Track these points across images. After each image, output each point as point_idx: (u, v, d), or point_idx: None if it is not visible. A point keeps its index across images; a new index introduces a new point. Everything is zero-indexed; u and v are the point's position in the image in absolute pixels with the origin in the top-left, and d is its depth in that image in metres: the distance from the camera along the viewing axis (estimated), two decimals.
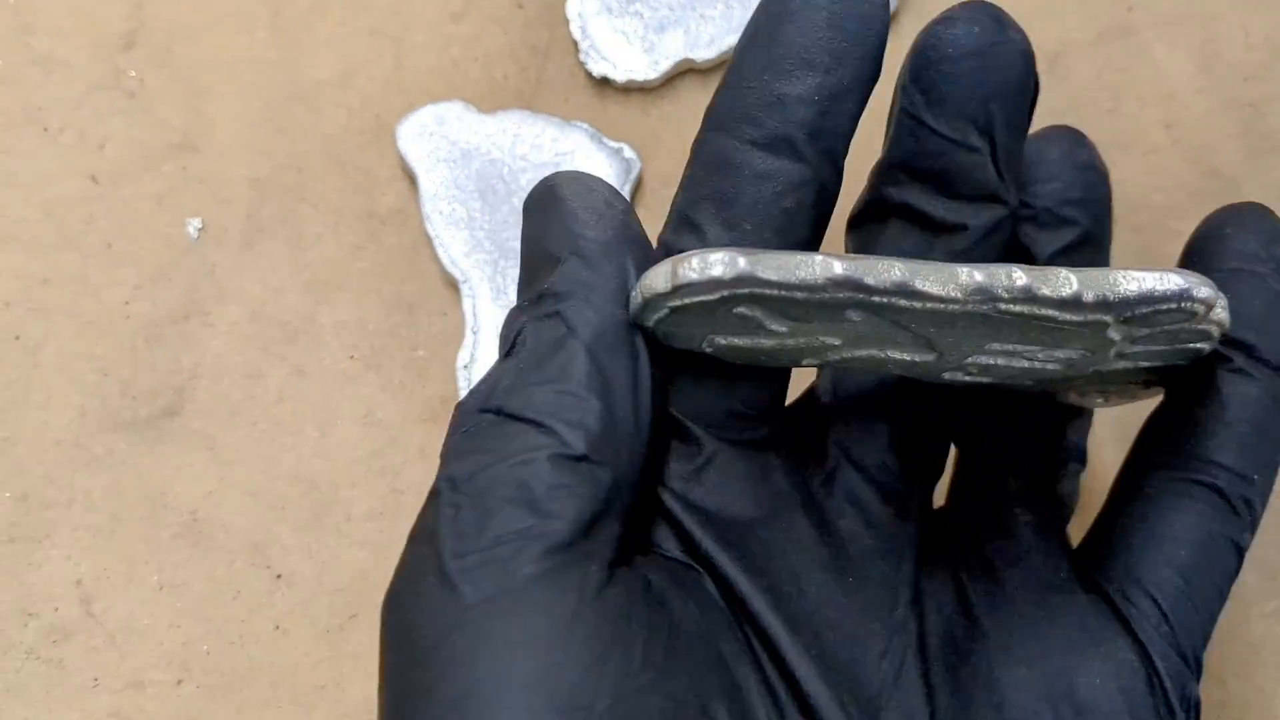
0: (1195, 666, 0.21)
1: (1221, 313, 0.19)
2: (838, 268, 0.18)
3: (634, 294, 0.19)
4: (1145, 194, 0.31)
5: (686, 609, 0.20)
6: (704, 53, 0.32)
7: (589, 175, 0.21)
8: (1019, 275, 0.18)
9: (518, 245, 0.31)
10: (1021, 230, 0.24)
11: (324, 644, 0.29)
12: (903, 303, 0.18)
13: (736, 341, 0.20)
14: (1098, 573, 0.22)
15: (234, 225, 0.32)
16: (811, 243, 0.21)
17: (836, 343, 0.20)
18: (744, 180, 0.20)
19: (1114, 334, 0.19)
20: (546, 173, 0.31)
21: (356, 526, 0.30)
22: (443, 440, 0.19)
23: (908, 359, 0.20)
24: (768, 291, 0.18)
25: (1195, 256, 0.23)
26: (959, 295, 0.18)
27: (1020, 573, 0.22)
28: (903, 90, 0.21)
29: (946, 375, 0.21)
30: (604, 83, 0.33)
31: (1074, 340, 0.19)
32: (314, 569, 0.29)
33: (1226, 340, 0.21)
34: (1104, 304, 0.18)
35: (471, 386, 0.30)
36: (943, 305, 0.18)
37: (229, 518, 0.30)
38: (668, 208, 0.32)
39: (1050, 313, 0.18)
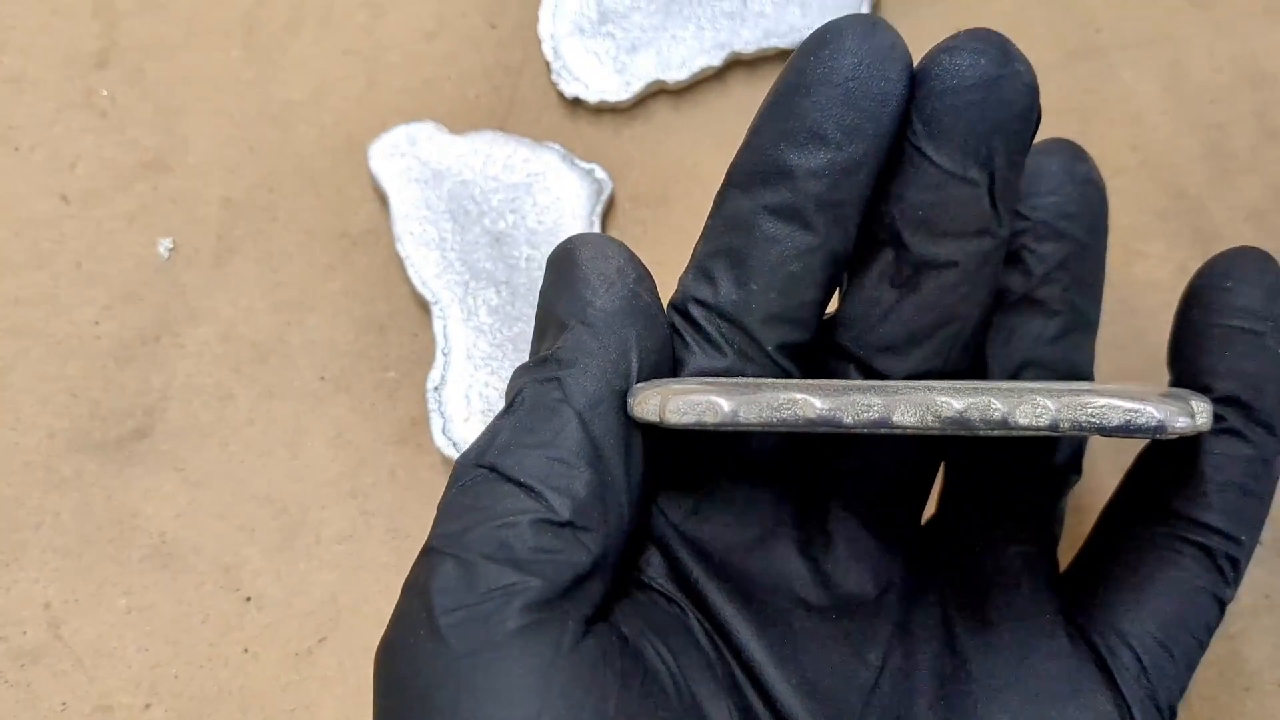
0: (1170, 716, 0.22)
1: (1204, 421, 0.19)
2: (816, 406, 0.19)
3: (629, 400, 0.20)
4: (1112, 215, 0.31)
5: (661, 657, 0.20)
6: (675, 74, 0.32)
7: (608, 240, 0.22)
8: (996, 407, 0.18)
9: (489, 266, 0.31)
10: (1018, 241, 0.24)
11: (293, 667, 0.29)
12: (883, 431, 0.19)
13: (727, 429, 0.21)
14: (1082, 617, 0.22)
15: (205, 245, 0.32)
16: (820, 302, 0.21)
17: (824, 428, 0.21)
18: (754, 242, 0.21)
19: (1094, 434, 0.19)
20: (518, 193, 0.32)
21: (326, 549, 0.29)
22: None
23: (895, 434, 0.21)
24: (750, 428, 0.19)
25: (1195, 307, 0.23)
26: (936, 425, 0.19)
27: (1008, 613, 0.23)
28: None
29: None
30: (576, 103, 0.33)
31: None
32: (283, 592, 0.29)
33: (1222, 398, 0.22)
34: (1079, 428, 0.18)
35: (442, 409, 0.30)
36: (921, 431, 0.19)
37: (198, 540, 0.30)
38: (640, 229, 0.32)
39: (1027, 433, 0.19)
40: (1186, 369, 0.22)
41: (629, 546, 0.21)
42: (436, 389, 0.30)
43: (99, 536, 0.30)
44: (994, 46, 0.20)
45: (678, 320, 0.22)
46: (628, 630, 0.20)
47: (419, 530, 0.30)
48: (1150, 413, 0.18)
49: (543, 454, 0.20)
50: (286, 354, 0.31)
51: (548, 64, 0.33)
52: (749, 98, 0.33)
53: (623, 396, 0.20)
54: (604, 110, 0.33)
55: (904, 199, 0.21)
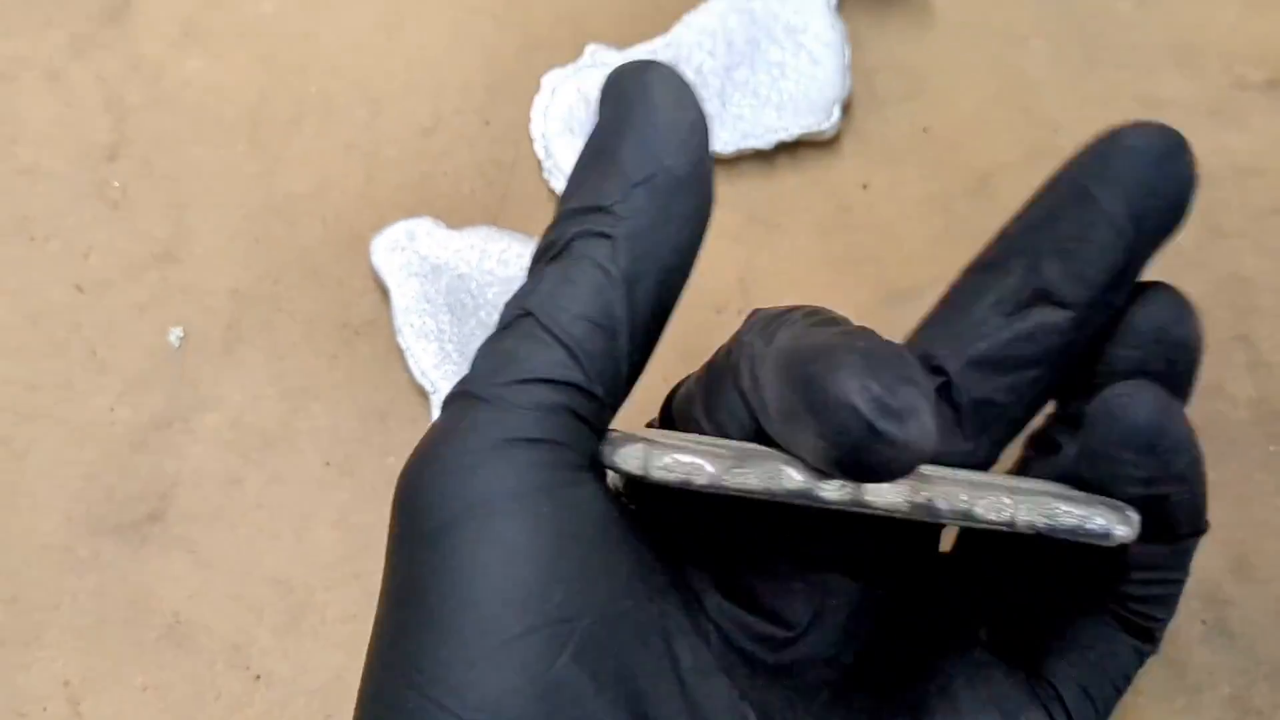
0: None
1: (1136, 531, 0.21)
2: (797, 480, 0.20)
3: (606, 449, 0.21)
4: None
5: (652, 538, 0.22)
6: None
7: (685, 84, 0.21)
8: (962, 499, 0.20)
9: None
10: (1096, 380, 0.24)
11: None
12: (854, 509, 0.20)
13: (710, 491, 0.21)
14: (1011, 656, 0.24)
15: (214, 334, 0.34)
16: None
17: (801, 501, 0.21)
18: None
19: (1040, 529, 0.21)
20: (513, 286, 0.33)
21: (332, 629, 0.31)
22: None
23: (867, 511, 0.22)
24: (734, 493, 0.20)
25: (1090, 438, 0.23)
26: (906, 508, 0.20)
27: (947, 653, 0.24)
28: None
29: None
30: None
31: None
32: (291, 670, 0.31)
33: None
34: (1033, 527, 0.20)
35: None
36: (889, 512, 0.20)
37: (210, 620, 0.31)
38: None
39: (985, 526, 0.20)
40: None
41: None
42: None
43: (115, 616, 0.31)
44: (1177, 138, 0.23)
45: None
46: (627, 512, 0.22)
47: None
48: (1099, 520, 0.20)
49: (585, 316, 0.20)
50: (292, 440, 0.33)
51: (539, 161, 0.35)
52: (727, 194, 0.35)
53: (667, 274, 0.21)
54: None
55: (1056, 229, 0.23)
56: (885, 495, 0.20)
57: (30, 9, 0.38)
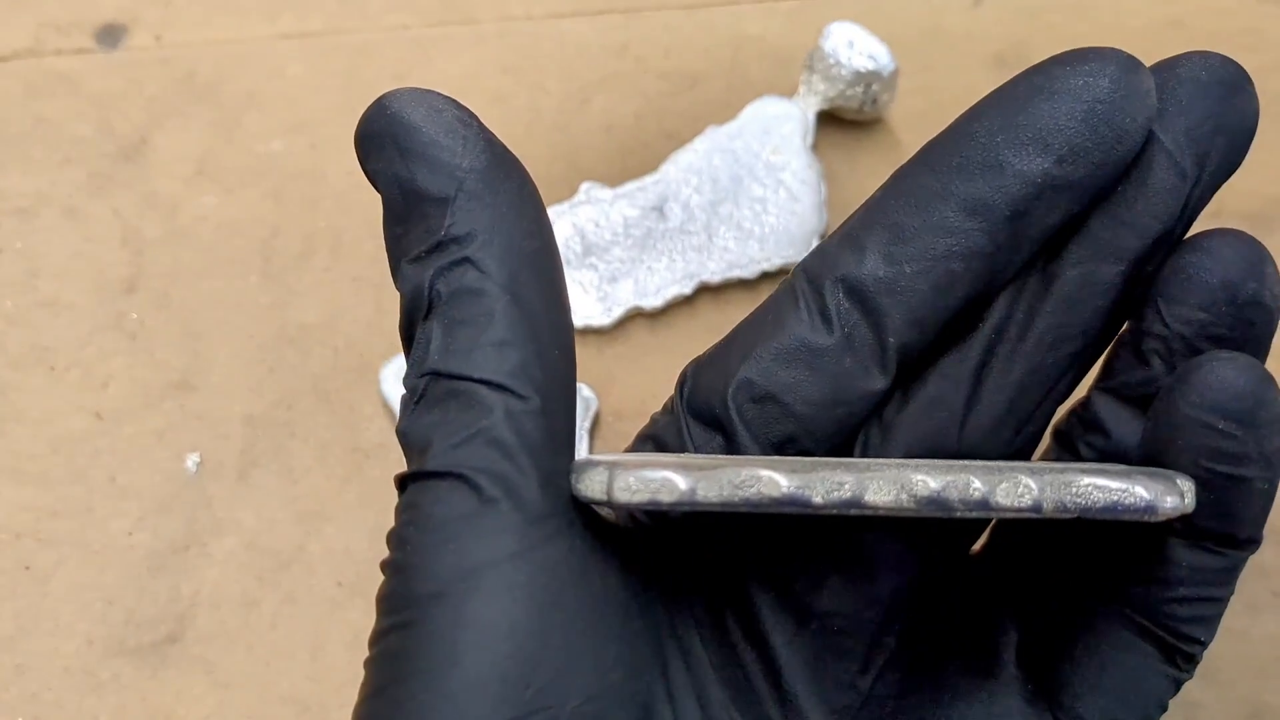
0: None
1: (1190, 502, 0.19)
2: (782, 486, 0.18)
3: (572, 477, 0.19)
4: None
5: (632, 579, 0.21)
6: (651, 300, 0.37)
7: (427, 92, 0.20)
8: (976, 486, 0.18)
9: None
10: (1146, 344, 0.22)
11: None
12: (853, 512, 0.18)
13: (683, 509, 0.20)
14: (1036, 685, 0.23)
15: (229, 459, 0.36)
16: (969, 303, 0.21)
17: (790, 509, 0.20)
18: (927, 225, 0.20)
19: (1073, 512, 0.19)
20: None
21: None
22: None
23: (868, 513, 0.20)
24: (709, 508, 0.18)
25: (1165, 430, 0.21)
26: (911, 505, 0.18)
27: (967, 671, 0.23)
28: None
29: None
30: None
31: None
32: None
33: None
34: (1063, 509, 0.18)
35: None
36: (895, 512, 0.18)
37: None
38: (623, 441, 0.36)
39: (1008, 515, 0.18)
40: None
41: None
42: None
43: None
44: (1241, 69, 0.21)
45: (802, 283, 0.21)
46: (616, 547, 0.20)
47: None
48: (1139, 493, 0.18)
49: (487, 343, 0.19)
50: (306, 562, 0.35)
51: None
52: (716, 320, 0.37)
53: (537, 258, 0.20)
54: (588, 333, 0.37)
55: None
56: (885, 493, 0.18)
57: (50, 147, 0.40)
